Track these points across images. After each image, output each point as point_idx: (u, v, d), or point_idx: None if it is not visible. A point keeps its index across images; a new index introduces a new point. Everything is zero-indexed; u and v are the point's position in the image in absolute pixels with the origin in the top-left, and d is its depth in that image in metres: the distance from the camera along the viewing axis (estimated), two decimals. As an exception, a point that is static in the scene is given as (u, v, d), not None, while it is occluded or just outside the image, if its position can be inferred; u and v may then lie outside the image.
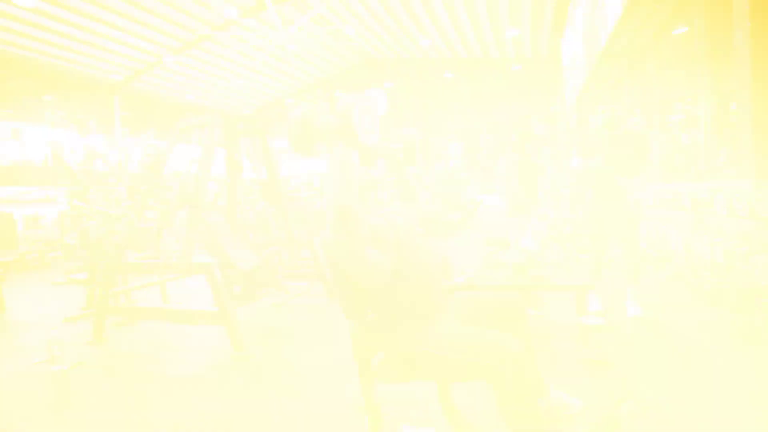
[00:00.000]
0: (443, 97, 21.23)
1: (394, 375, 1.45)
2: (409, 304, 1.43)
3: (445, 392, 1.68)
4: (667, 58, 7.21)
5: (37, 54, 14.57)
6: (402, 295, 1.43)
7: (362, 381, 1.49)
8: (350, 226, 1.26)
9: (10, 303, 4.42)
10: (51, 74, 16.11)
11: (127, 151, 11.48)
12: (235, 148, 4.15)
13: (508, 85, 20.29)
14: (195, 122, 3.45)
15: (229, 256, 3.52)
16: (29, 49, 14.14)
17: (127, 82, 17.81)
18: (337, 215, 1.24)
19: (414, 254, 1.49)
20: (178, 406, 2.19)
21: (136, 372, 2.68)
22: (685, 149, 7.04)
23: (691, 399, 1.93)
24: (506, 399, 1.24)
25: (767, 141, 3.04)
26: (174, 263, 3.03)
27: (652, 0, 5.26)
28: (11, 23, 12.27)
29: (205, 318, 2.97)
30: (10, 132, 10.60)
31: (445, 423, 1.69)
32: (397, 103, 21.12)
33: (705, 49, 5.56)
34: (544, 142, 18.56)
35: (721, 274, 3.50)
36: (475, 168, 22.92)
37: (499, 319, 1.64)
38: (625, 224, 3.14)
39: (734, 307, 2.93)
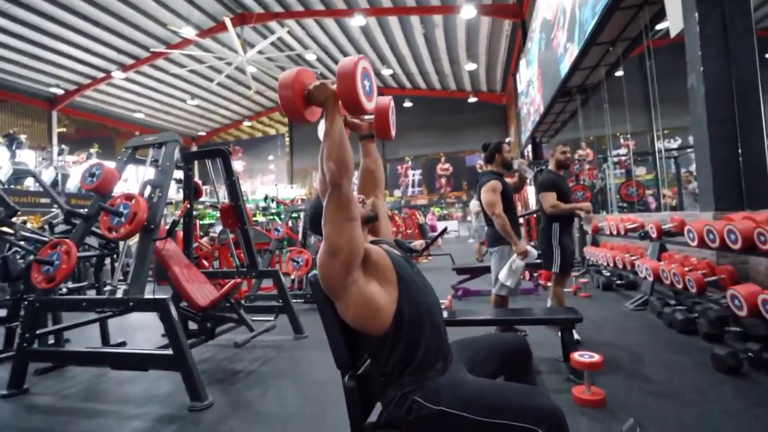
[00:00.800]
0: (402, 126, 21.67)
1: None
2: (418, 351, 1.23)
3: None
4: (617, 97, 7.71)
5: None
6: (409, 341, 1.22)
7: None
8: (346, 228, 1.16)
9: None
10: (-23, 83, 14.67)
11: (65, 170, 10.50)
12: (193, 170, 3.82)
13: (466, 115, 21.10)
14: (150, 140, 3.12)
15: (186, 289, 3.15)
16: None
17: (69, 97, 16.60)
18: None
19: (419, 290, 1.30)
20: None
21: (63, 432, 2.22)
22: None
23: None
24: None
25: (724, 178, 3.26)
26: (120, 298, 2.63)
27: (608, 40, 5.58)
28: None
29: (156, 362, 2.57)
30: None
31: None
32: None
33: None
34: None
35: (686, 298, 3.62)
36: (434, 195, 23.41)
37: (505, 363, 1.48)
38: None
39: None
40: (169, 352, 2.48)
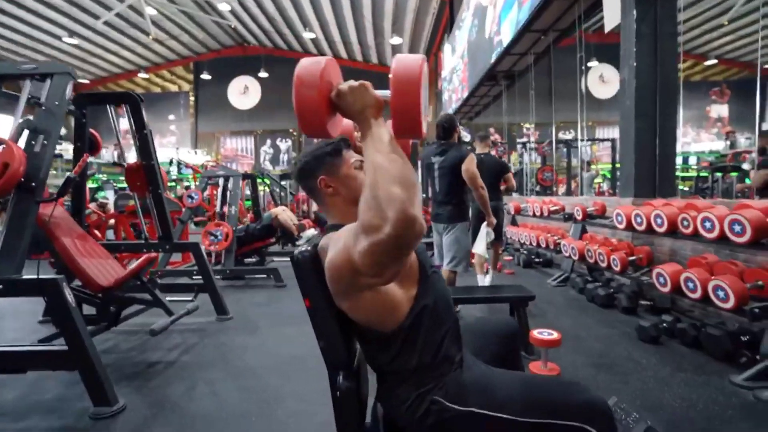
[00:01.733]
0: (322, 96, 20.77)
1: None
2: (439, 346, 1.02)
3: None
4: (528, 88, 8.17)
5: None
6: (429, 336, 1.00)
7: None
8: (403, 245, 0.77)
9: None
10: None
11: None
12: (87, 118, 3.06)
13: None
14: (28, 68, 2.37)
15: (81, 266, 2.53)
16: None
17: None
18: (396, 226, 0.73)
19: (434, 278, 1.09)
20: None
21: None
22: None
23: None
24: None
25: (644, 167, 3.57)
26: (-16, 278, 1.97)
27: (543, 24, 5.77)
28: None
29: (41, 361, 1.99)
30: None
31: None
32: (271, 95, 19.86)
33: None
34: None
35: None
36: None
37: (501, 349, 1.36)
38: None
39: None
40: (60, 346, 1.94)
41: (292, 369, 2.42)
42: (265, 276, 4.95)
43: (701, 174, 10.01)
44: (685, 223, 2.62)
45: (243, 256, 5.43)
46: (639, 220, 3.00)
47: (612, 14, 3.99)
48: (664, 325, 2.73)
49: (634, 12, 3.53)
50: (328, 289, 0.97)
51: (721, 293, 2.25)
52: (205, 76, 19.57)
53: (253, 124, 20.16)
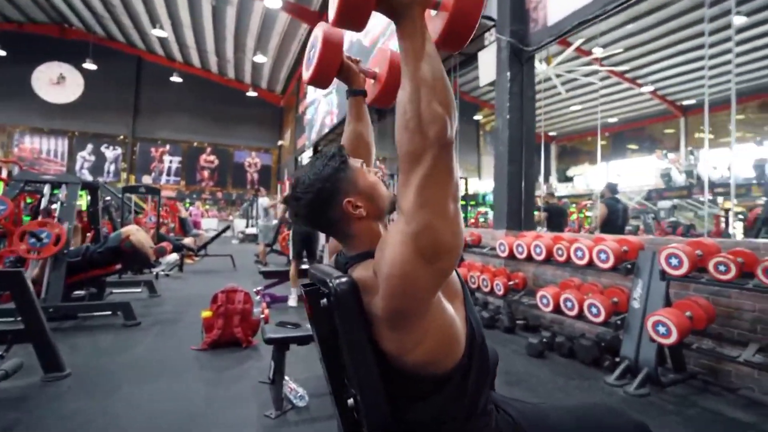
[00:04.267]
0: (165, 102, 18.33)
1: None
2: (486, 382, 0.92)
3: None
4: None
5: None
6: (479, 371, 0.87)
7: None
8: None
9: None
10: None
11: None
12: None
13: (241, 109, 19.79)
14: None
15: None
16: None
17: None
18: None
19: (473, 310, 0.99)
20: None
21: None
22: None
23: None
24: None
25: (514, 204, 4.18)
26: None
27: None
28: None
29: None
30: None
31: None
32: (99, 93, 16.61)
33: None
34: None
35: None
36: (193, 187, 20.76)
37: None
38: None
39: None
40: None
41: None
42: (109, 313, 3.93)
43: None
44: (560, 252, 3.15)
45: (72, 287, 4.20)
46: (521, 249, 3.48)
47: (487, 72, 4.68)
48: (544, 340, 3.18)
49: (508, 74, 4.22)
50: (369, 330, 0.81)
51: (594, 310, 2.75)
52: (-1, 51, 15.00)
53: (68, 122, 16.42)
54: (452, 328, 0.83)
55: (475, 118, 16.54)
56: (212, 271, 7.11)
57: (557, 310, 3.04)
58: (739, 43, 7.17)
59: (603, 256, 2.80)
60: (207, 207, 20.46)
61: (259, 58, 14.77)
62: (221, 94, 19.39)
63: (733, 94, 3.28)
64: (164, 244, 4.72)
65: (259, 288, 4.83)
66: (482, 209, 12.44)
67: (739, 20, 7.09)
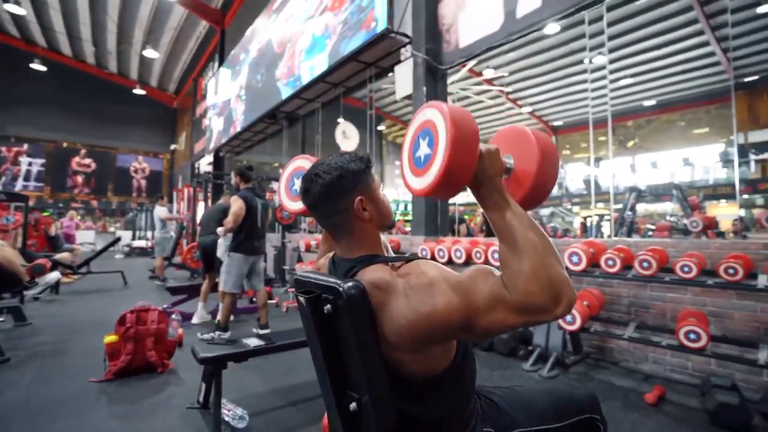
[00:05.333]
0: (24, 94, 15.42)
1: None
2: (474, 377, 1.00)
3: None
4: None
5: None
6: (470, 367, 0.95)
7: None
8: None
9: None
10: None
11: None
12: None
13: (126, 107, 17.58)
14: None
15: None
16: None
17: None
18: None
19: None
20: None
21: None
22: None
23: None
24: None
25: (431, 214, 4.44)
26: None
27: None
28: None
29: None
30: None
31: None
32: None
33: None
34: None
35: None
36: (62, 195, 17.75)
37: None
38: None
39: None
40: None
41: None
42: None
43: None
44: (479, 254, 3.45)
45: None
46: (442, 253, 3.72)
47: (403, 86, 4.92)
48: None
49: (424, 88, 4.50)
50: (377, 332, 0.84)
51: (510, 305, 3.07)
52: None
53: None
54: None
55: (379, 128, 17.12)
56: (99, 291, 6.19)
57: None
58: (594, 80, 8.65)
59: (516, 256, 3.15)
60: (79, 217, 17.68)
61: (150, 53, 13.34)
62: (101, 89, 17.08)
63: (591, 120, 3.96)
64: (41, 261, 3.97)
65: (165, 306, 4.38)
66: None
67: (597, 60, 8.56)
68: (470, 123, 0.78)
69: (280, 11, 7.79)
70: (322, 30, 6.16)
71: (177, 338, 3.05)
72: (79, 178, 18.34)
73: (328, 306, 0.88)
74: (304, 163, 1.16)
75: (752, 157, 11.20)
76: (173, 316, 3.07)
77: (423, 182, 0.80)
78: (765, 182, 10.90)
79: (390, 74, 5.70)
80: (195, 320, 4.26)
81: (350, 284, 0.84)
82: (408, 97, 4.85)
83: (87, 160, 18.52)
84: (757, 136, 11.48)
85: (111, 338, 2.74)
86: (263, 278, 4.06)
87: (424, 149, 0.81)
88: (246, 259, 3.58)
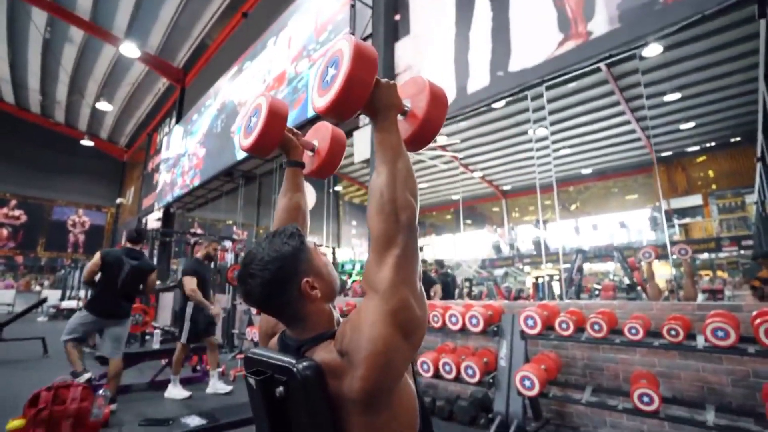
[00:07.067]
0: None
1: None
2: None
3: None
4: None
5: None
6: None
7: None
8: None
9: None
10: None
11: None
12: None
13: (69, 159, 16.71)
14: None
15: None
16: None
17: None
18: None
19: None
20: None
21: None
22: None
23: None
24: None
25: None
26: None
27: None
28: None
29: None
30: None
31: None
32: None
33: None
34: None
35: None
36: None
37: None
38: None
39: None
40: None
41: None
42: None
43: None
44: (436, 318, 3.41)
45: None
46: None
47: (361, 150, 5.08)
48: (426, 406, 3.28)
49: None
50: (334, 415, 0.78)
51: (470, 371, 3.00)
52: None
53: None
54: (414, 401, 0.85)
55: (336, 188, 17.36)
56: (11, 362, 5.39)
57: (437, 374, 3.21)
58: (538, 149, 9.44)
59: (474, 320, 3.14)
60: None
61: (104, 106, 13.07)
62: (42, 138, 16.24)
63: (537, 185, 4.26)
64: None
65: (93, 377, 3.87)
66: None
67: (540, 132, 9.40)
68: (371, 49, 0.88)
69: (237, 77, 8.06)
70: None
71: (102, 419, 2.67)
72: (5, 231, 16.75)
73: (281, 389, 0.80)
74: (262, 100, 1.12)
75: (676, 221, 12.47)
76: (100, 391, 2.71)
77: (326, 98, 0.87)
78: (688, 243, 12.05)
79: (348, 138, 5.89)
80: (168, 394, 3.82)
81: (305, 364, 0.78)
82: (365, 161, 5.00)
83: (17, 212, 17.08)
84: (678, 202, 13.06)
85: (15, 423, 2.34)
86: (121, 347, 3.51)
87: (331, 72, 0.90)
88: (94, 318, 3.40)
